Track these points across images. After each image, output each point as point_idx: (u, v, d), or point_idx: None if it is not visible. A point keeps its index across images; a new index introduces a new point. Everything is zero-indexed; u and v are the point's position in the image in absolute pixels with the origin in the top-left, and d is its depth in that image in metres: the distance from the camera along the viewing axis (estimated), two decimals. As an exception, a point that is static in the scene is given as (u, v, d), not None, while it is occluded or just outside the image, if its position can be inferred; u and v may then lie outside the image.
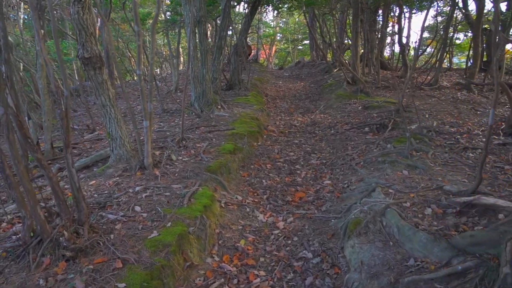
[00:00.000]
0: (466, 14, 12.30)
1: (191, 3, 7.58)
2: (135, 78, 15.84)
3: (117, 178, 4.77)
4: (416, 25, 51.10)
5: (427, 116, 7.75)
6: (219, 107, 8.53)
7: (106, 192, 4.31)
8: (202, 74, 8.26)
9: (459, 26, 16.28)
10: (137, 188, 4.36)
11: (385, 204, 3.59)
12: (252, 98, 9.79)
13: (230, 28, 10.85)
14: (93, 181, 4.71)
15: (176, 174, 4.82)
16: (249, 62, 17.72)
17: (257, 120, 7.99)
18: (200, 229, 3.67)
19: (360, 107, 9.07)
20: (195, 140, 6.26)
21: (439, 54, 11.27)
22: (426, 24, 21.38)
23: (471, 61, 14.44)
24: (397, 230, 3.24)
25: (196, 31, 8.08)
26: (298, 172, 5.92)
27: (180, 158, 5.45)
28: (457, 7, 11.51)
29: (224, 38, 8.64)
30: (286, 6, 13.78)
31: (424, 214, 3.39)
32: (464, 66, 16.97)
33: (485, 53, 13.00)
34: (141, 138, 5.47)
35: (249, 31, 28.60)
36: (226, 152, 5.68)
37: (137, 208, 3.87)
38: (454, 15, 12.51)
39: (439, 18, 17.76)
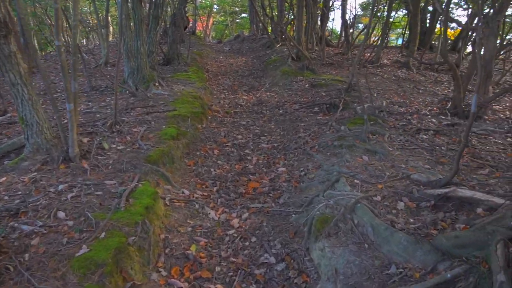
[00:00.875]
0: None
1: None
2: (57, 49, 14.06)
3: (35, 173, 3.89)
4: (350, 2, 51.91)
5: (375, 95, 7.61)
6: (157, 84, 7.67)
7: (19, 193, 3.46)
8: (137, 47, 7.31)
9: (394, 4, 16.60)
10: (61, 187, 3.56)
11: (354, 198, 3.23)
12: (193, 75, 9.01)
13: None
14: (3, 178, 3.79)
15: (110, 167, 4.06)
16: (187, 34, 16.60)
17: (200, 99, 7.30)
18: (142, 237, 3.04)
19: (307, 85, 8.73)
20: (130, 124, 5.45)
21: (381, 32, 11.25)
22: (361, 1, 21.70)
23: (404, 39, 14.83)
24: (372, 229, 2.89)
25: (127, -4, 7.04)
26: (249, 158, 5.42)
27: (114, 146, 4.66)
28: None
29: (160, 6, 7.68)
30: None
31: (398, 210, 3.08)
32: (397, 44, 17.53)
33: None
34: (65, 122, 4.56)
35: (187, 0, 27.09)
36: (168, 138, 4.99)
37: (61, 214, 3.12)
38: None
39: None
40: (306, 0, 11.01)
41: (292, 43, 11.62)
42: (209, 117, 7.01)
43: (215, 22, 31.81)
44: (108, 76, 8.88)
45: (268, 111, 7.58)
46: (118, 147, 4.62)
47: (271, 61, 11.56)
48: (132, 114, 6.00)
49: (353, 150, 4.67)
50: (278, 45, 14.16)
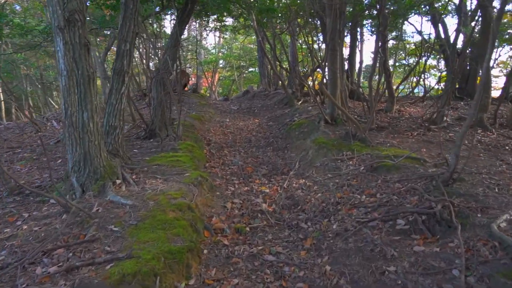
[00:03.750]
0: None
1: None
2: None
3: None
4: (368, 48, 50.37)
5: (496, 190, 4.35)
6: (119, 181, 4.53)
7: None
8: (82, 121, 4.26)
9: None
10: None
11: None
12: (184, 156, 5.87)
13: (148, 41, 7.05)
14: None
15: None
16: (186, 93, 13.87)
17: (190, 210, 4.07)
18: None
19: (363, 168, 5.51)
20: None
21: (447, 83, 8.21)
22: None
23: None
24: None
25: (68, 39, 4.10)
26: None
27: None
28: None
29: (126, 55, 4.74)
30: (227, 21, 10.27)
31: None
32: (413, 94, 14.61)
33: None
34: None
35: (189, 56, 24.98)
36: None
37: None
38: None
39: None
40: (338, 43, 8.14)
41: (317, 100, 8.64)
42: (205, 251, 3.73)
43: (221, 78, 29.68)
44: (56, 161, 5.88)
45: (310, 224, 4.30)
46: None
47: (296, 125, 8.48)
48: (53, 258, 2.80)
49: None
50: (299, 102, 11.21)
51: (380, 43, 8.13)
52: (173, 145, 6.44)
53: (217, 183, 5.69)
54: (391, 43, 18.10)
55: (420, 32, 14.03)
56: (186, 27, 27.54)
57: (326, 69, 8.22)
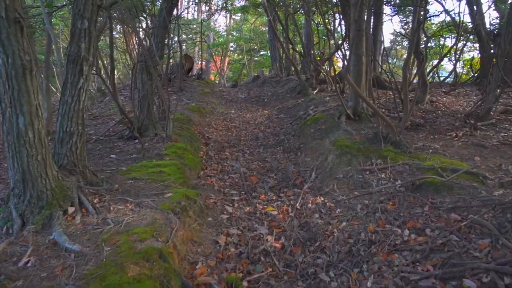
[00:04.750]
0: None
1: None
2: None
3: None
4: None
5: None
6: (72, 210, 3.33)
7: None
8: (17, 129, 3.05)
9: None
10: None
11: None
12: (171, 165, 4.63)
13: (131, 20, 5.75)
14: None
15: None
16: (189, 79, 12.60)
17: (162, 259, 2.84)
18: None
19: (400, 184, 4.19)
20: None
21: (495, 69, 6.73)
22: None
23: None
24: None
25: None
26: None
27: None
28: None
29: (84, 35, 3.46)
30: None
31: None
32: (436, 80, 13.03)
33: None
34: None
35: (194, 38, 23.49)
36: None
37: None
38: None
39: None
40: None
41: (337, 89, 7.29)
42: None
43: (231, 61, 28.25)
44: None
45: (333, 275, 3.05)
46: None
47: (311, 121, 7.14)
48: None
49: None
50: (315, 91, 9.82)
51: (417, 21, 6.70)
52: (159, 149, 5.21)
53: (211, 200, 4.46)
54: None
55: (447, 11, 12.41)
56: (193, 7, 26.04)
57: (348, 53, 6.83)
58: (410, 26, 10.21)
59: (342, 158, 5.13)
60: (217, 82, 24.15)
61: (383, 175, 4.52)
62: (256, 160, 6.18)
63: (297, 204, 4.36)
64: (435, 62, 12.86)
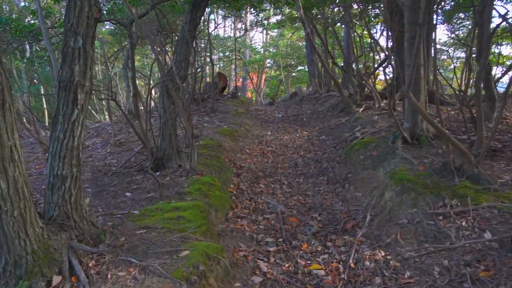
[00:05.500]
0: None
1: None
2: None
3: None
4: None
5: None
6: (58, 281, 2.57)
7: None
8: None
9: None
10: None
11: None
12: (192, 207, 3.81)
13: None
14: None
15: None
16: (223, 98, 11.95)
17: None
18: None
19: (489, 238, 3.11)
20: None
21: None
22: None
23: None
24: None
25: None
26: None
27: None
28: None
29: (79, 56, 2.74)
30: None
31: None
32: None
33: None
34: None
35: (230, 56, 23.09)
36: None
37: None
38: None
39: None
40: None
41: (390, 107, 6.27)
42: None
43: (267, 78, 27.63)
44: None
45: None
46: None
47: (359, 145, 6.12)
48: None
49: None
50: (360, 108, 8.78)
51: (483, 26, 5.63)
52: (181, 186, 4.43)
53: (240, 254, 3.57)
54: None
55: (504, 17, 11.03)
56: (229, 25, 25.81)
57: (398, 64, 5.82)
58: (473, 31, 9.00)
59: (404, 196, 4.09)
60: (253, 99, 23.54)
61: (463, 223, 3.44)
62: (295, 194, 5.25)
63: (350, 261, 3.38)
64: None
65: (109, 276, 2.70)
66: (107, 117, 15.21)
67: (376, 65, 10.65)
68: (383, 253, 3.43)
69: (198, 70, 7.49)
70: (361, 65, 10.55)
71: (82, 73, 2.89)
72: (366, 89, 9.94)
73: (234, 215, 4.44)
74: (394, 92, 7.15)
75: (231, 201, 4.76)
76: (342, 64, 12.39)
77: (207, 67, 17.68)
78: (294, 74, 26.30)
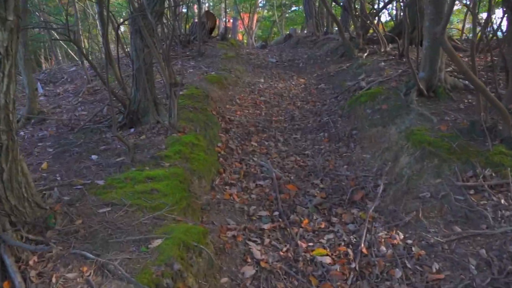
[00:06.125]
0: None
1: None
2: None
3: None
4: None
5: None
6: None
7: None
8: None
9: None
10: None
11: None
12: (169, 176, 3.11)
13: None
14: None
15: None
16: (211, 41, 10.86)
17: None
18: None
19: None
20: None
21: None
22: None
23: None
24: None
25: None
26: None
27: None
28: None
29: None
30: None
31: None
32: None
33: None
34: None
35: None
36: None
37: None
38: None
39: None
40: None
41: (406, 52, 5.47)
42: None
43: (259, 19, 25.96)
44: None
45: None
46: None
47: (365, 97, 5.34)
48: None
49: None
50: (364, 54, 7.87)
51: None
52: (157, 147, 3.69)
53: (227, 234, 2.94)
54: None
55: None
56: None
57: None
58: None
59: (425, 163, 3.42)
60: (245, 42, 22.15)
61: (502, 200, 2.82)
62: (292, 154, 4.57)
63: (362, 245, 2.77)
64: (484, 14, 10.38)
65: (53, 279, 2.04)
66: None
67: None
68: (402, 236, 2.82)
69: (180, 4, 6.44)
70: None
71: (1, 1, 2.01)
72: (370, 31, 8.95)
73: (222, 182, 3.77)
74: (407, 35, 6.27)
75: (218, 164, 4.07)
76: (342, 3, 11.21)
77: (195, 6, 16.23)
78: (287, 15, 24.66)
